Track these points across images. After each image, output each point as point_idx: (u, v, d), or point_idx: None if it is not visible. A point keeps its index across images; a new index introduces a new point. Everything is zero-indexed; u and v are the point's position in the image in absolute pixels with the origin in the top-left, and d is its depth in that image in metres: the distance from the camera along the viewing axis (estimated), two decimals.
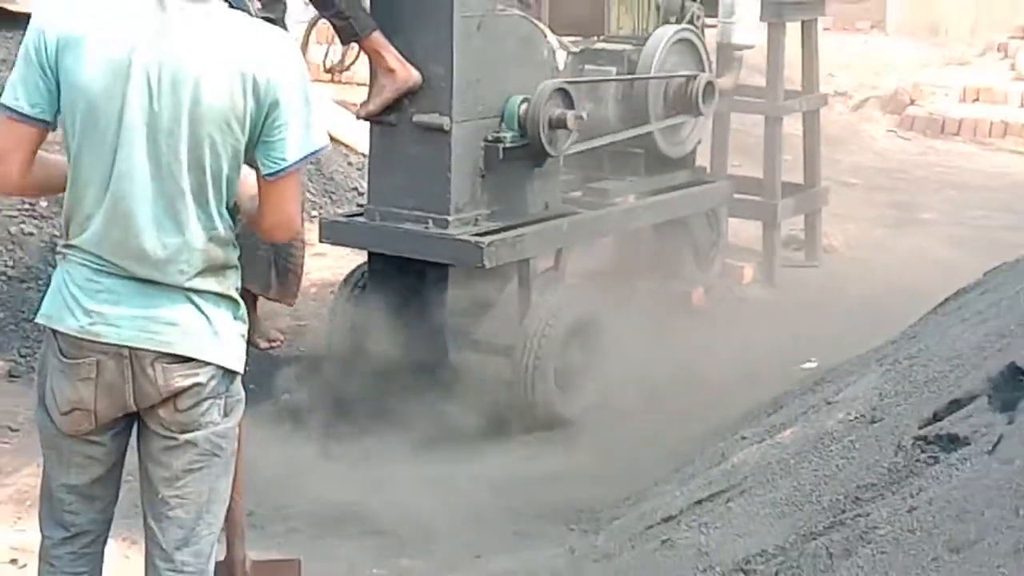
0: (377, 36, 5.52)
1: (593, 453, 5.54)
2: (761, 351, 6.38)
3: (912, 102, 13.08)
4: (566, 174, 6.32)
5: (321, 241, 6.24)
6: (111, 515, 3.50)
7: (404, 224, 5.72)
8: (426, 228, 5.66)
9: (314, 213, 8.52)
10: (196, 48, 3.17)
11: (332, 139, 9.55)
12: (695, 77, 6.61)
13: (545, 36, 6.20)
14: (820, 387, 5.03)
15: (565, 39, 6.81)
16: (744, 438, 4.72)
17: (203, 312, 3.30)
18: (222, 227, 3.29)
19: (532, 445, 5.63)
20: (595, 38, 6.83)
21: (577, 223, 6.17)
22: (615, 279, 7.18)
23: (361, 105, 5.80)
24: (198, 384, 3.28)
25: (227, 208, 3.31)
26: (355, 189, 8.79)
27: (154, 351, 3.25)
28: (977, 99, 13.08)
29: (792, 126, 8.20)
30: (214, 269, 3.31)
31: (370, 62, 5.64)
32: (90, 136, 3.20)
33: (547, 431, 5.73)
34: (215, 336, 3.31)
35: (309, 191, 8.95)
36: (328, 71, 6.65)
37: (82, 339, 3.24)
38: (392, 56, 5.53)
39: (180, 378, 3.26)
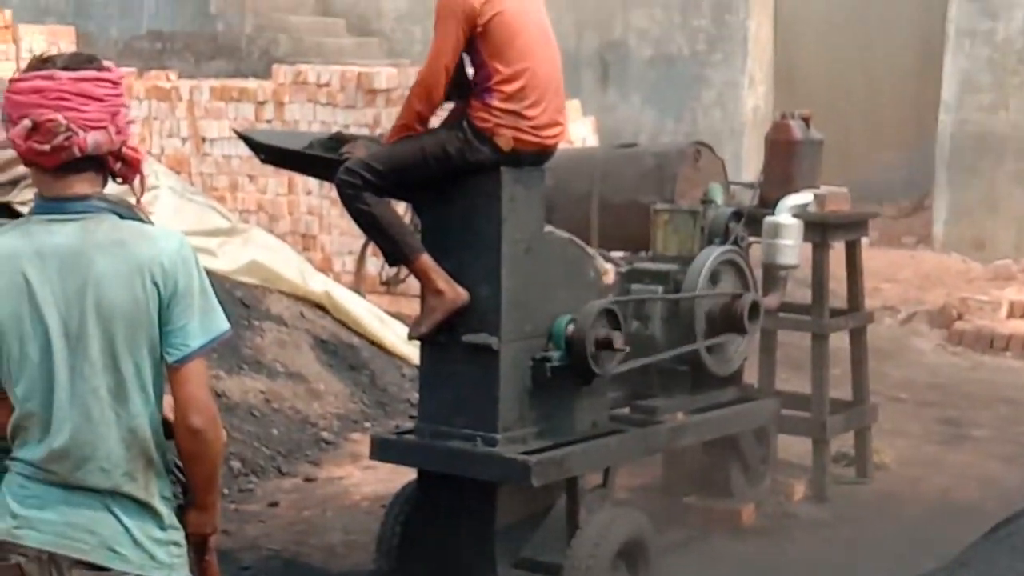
0: (425, 259, 5.59)
1: None
2: (813, 569, 6.28)
3: (960, 317, 13.06)
4: (613, 391, 6.32)
5: (371, 458, 6.25)
6: None
7: (453, 442, 5.72)
8: (474, 446, 5.65)
9: (367, 424, 8.60)
10: (93, 252, 3.28)
11: (386, 351, 9.69)
12: (740, 296, 6.66)
13: (591, 258, 6.27)
14: None
15: (614, 254, 6.91)
16: None
17: (121, 521, 3.32)
18: (145, 429, 3.34)
19: None
20: (642, 255, 6.90)
21: (625, 441, 6.15)
22: (664, 496, 7.15)
23: (413, 325, 5.86)
24: None
25: (151, 411, 3.36)
26: (407, 400, 8.82)
27: (71, 557, 3.28)
28: None
29: (840, 339, 8.20)
30: (135, 474, 3.33)
31: (420, 280, 5.69)
32: (10, 359, 3.32)
33: None
34: (134, 546, 3.33)
35: (363, 402, 9.03)
36: (384, 284, 6.76)
37: (4, 541, 3.30)
38: (440, 277, 5.58)
39: None
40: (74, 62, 3.39)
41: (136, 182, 3.49)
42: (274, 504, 7.53)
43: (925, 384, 10.79)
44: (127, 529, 3.33)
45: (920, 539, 6.30)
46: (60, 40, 16.38)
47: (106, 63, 3.49)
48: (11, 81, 3.39)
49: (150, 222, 3.45)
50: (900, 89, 17.75)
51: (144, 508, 3.36)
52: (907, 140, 17.73)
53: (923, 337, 12.78)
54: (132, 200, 3.52)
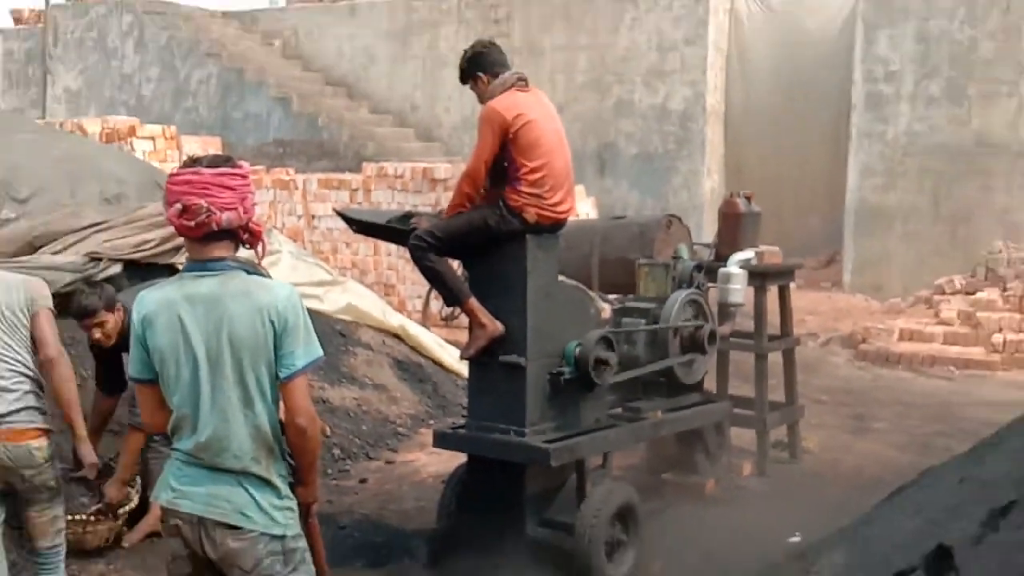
0: (472, 301, 5.59)
1: None
2: (759, 529, 6.23)
3: (864, 340, 13.02)
4: (610, 396, 6.27)
5: (434, 446, 6.22)
6: None
7: (494, 434, 5.69)
8: (509, 437, 5.62)
9: (431, 422, 8.60)
10: (227, 299, 3.35)
11: (442, 367, 9.71)
12: (702, 327, 6.62)
13: (592, 299, 6.28)
14: (802, 559, 4.87)
15: (609, 296, 6.91)
16: None
17: (250, 493, 3.37)
18: (266, 426, 3.39)
19: None
20: (629, 297, 6.89)
21: (618, 433, 6.11)
22: (647, 473, 7.12)
23: (463, 350, 5.84)
24: (244, 547, 3.34)
25: (269, 413, 3.40)
26: (460, 404, 8.78)
27: (213, 520, 3.35)
28: (911, 338, 12.98)
29: (776, 357, 8.16)
30: (259, 459, 3.38)
31: (468, 316, 5.68)
32: (169, 377, 3.39)
33: None
34: (260, 511, 3.37)
35: (428, 405, 9.04)
36: (443, 319, 6.79)
37: (166, 508, 3.42)
38: (484, 315, 5.58)
39: (234, 541, 3.34)
40: (215, 162, 3.43)
41: (259, 248, 3.52)
42: (364, 481, 7.53)
43: (839, 390, 10.76)
44: (254, 499, 3.36)
45: (836, 504, 6.23)
46: (209, 147, 16.53)
47: (240, 162, 3.53)
48: (170, 175, 3.44)
49: (269, 276, 3.50)
50: (817, 175, 17.76)
51: (266, 483, 3.39)
52: (823, 211, 17.71)
53: (837, 355, 12.74)
54: (256, 260, 3.56)
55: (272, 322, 3.32)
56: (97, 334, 5.49)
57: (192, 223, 3.32)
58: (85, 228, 7.01)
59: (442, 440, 5.97)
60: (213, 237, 3.37)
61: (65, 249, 6.82)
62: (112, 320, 5.50)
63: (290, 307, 3.35)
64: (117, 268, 7.03)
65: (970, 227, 16.48)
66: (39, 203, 7.01)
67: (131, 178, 7.82)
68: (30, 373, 4.59)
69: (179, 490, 3.39)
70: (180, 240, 7.40)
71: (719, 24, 18.42)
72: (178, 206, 3.31)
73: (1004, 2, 16.38)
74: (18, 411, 4.49)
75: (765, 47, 18.42)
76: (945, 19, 16.68)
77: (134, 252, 7.14)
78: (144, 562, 5.74)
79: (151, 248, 7.26)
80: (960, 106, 16.66)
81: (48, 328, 4.66)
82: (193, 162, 3.43)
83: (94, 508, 5.73)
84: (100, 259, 6.89)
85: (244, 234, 3.42)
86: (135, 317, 3.40)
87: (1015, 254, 14.80)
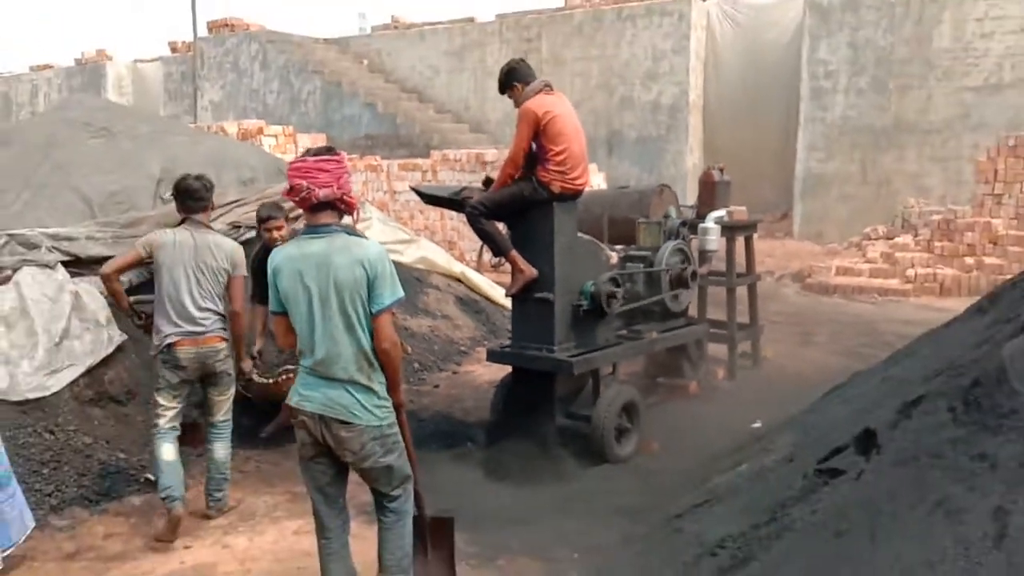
0: (513, 253, 5.57)
1: (636, 477, 5.40)
2: (729, 418, 6.24)
3: (809, 276, 12.87)
4: (617, 322, 6.25)
5: (488, 360, 6.19)
6: (344, 508, 3.60)
7: (531, 351, 5.69)
8: (542, 352, 5.62)
9: (485, 342, 8.62)
10: (333, 253, 3.36)
11: (492, 302, 9.68)
12: (686, 268, 6.57)
13: (603, 249, 6.23)
14: (762, 439, 4.88)
15: (616, 246, 6.86)
16: (719, 470, 4.57)
17: (355, 396, 3.38)
18: (365, 347, 3.39)
19: (602, 473, 5.48)
20: (631, 247, 6.84)
21: (624, 348, 6.09)
22: (646, 379, 7.12)
23: (507, 289, 5.82)
24: (353, 436, 3.38)
25: (367, 337, 3.39)
26: (506, 329, 8.77)
27: (329, 416, 3.37)
28: (845, 273, 12.82)
29: (742, 291, 8.09)
30: (361, 370, 3.40)
31: (511, 264, 5.67)
32: (295, 312, 3.42)
33: (611, 465, 5.59)
34: (363, 409, 3.39)
35: (482, 331, 9.04)
36: (492, 267, 6.75)
37: (295, 408, 3.43)
38: (522, 263, 5.56)
39: (344, 432, 3.38)
40: (318, 151, 3.45)
41: (355, 215, 3.52)
42: (436, 386, 7.56)
43: (790, 313, 10.65)
44: (358, 400, 3.39)
45: (788, 398, 6.20)
46: (318, 141, 16.51)
47: (337, 151, 3.53)
48: (289, 164, 3.45)
49: (364, 236, 3.50)
50: (774, 150, 17.55)
51: (367, 389, 3.40)
52: (778, 179, 17.50)
53: (788, 288, 12.60)
54: (352, 224, 3.57)
55: (366, 270, 3.33)
56: (276, 235, 5.66)
57: (297, 198, 3.35)
58: (228, 204, 7.03)
59: (493, 356, 5.99)
60: (318, 208, 3.39)
61: (214, 220, 6.86)
62: (286, 228, 5.70)
63: (379, 259, 3.36)
64: (251, 233, 7.08)
65: (890, 189, 16.28)
66: None
67: (260, 166, 7.82)
68: (219, 310, 4.93)
69: (304, 395, 3.43)
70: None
71: (698, 37, 18.17)
72: (287, 185, 3.37)
73: (916, 15, 16.01)
74: (212, 328, 4.88)
75: (733, 54, 18.18)
76: (871, 29, 16.40)
77: None
78: (281, 446, 5.84)
79: None
80: (882, 96, 16.38)
81: (239, 290, 5.00)
82: (305, 153, 3.45)
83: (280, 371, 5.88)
84: (240, 226, 6.93)
85: (341, 204, 3.43)
86: (271, 268, 3.44)
87: (924, 208, 14.60)
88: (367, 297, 3.35)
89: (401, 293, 3.42)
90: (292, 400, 3.46)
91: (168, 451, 4.75)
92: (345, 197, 3.43)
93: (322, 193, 3.35)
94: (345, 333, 3.35)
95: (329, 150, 3.48)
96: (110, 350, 5.65)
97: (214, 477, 4.99)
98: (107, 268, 4.87)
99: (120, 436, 5.48)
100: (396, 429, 3.49)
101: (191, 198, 4.95)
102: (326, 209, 3.40)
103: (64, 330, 5.53)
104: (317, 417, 3.38)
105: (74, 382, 5.46)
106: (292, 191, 3.37)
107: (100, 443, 5.34)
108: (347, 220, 3.52)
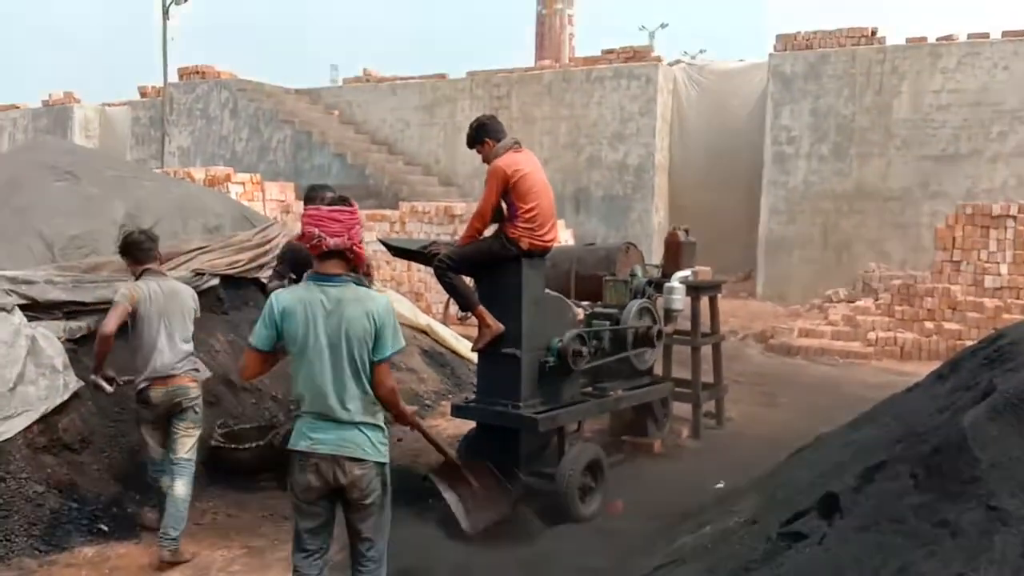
0: (480, 308, 5.57)
1: (599, 537, 5.32)
2: (693, 477, 6.22)
3: (771, 336, 13.01)
4: (583, 379, 6.25)
5: (452, 416, 6.15)
6: (328, 546, 3.67)
7: (496, 407, 5.66)
8: (508, 409, 5.60)
9: (449, 396, 8.54)
10: (345, 304, 3.45)
11: (458, 356, 9.62)
12: (651, 326, 6.61)
13: (570, 306, 6.25)
14: (725, 500, 4.87)
15: (583, 303, 6.89)
16: (684, 531, 4.54)
17: (366, 434, 3.52)
18: (369, 392, 3.52)
19: (565, 532, 5.40)
20: (598, 304, 6.87)
21: (589, 406, 6.09)
22: (610, 436, 7.10)
23: (473, 343, 5.81)
24: (365, 473, 3.50)
25: (370, 385, 3.51)
26: (471, 383, 8.75)
27: (342, 455, 3.48)
28: (807, 335, 12.96)
29: (707, 350, 8.14)
30: (367, 411, 3.52)
31: (478, 319, 5.65)
32: (300, 356, 3.49)
33: (575, 524, 5.52)
34: (372, 446, 3.53)
35: (447, 384, 8.97)
36: (459, 320, 6.75)
37: (306, 452, 3.50)
38: (489, 318, 5.56)
39: (358, 469, 3.50)
40: (332, 201, 3.62)
41: (362, 268, 3.68)
42: (400, 439, 7.38)
43: (753, 374, 10.73)
44: (369, 438, 3.54)
45: (752, 459, 6.20)
46: (286, 190, 16.44)
47: (352, 202, 3.68)
48: (304, 211, 3.65)
49: (372, 287, 3.60)
50: (738, 213, 17.78)
51: (376, 427, 3.56)
52: (742, 240, 17.72)
53: (751, 348, 12.73)
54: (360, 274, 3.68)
55: (374, 321, 3.47)
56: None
57: (308, 245, 3.43)
58: (192, 250, 7.00)
59: (457, 411, 5.95)
60: (328, 256, 3.46)
61: (177, 266, 6.81)
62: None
63: (387, 312, 3.51)
64: (215, 281, 7.03)
65: (850, 253, 16.56)
66: (159, 231, 7.01)
67: (226, 213, 7.80)
68: (191, 350, 5.14)
69: (314, 438, 3.51)
70: (263, 260, 7.42)
71: (664, 101, 18.50)
72: (298, 231, 3.46)
73: (876, 85, 16.47)
74: (182, 370, 5.06)
75: (699, 118, 18.51)
76: (832, 98, 16.81)
77: (228, 269, 7.15)
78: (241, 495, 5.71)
79: (241, 266, 7.25)
80: (843, 162, 16.74)
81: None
82: (320, 200, 3.57)
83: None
84: (203, 274, 6.88)
85: (350, 254, 3.49)
86: (275, 308, 3.46)
87: (884, 273, 14.86)
88: (372, 346, 3.48)
89: (402, 343, 3.56)
90: (300, 445, 3.52)
91: (166, 481, 4.98)
92: (355, 247, 3.49)
93: (333, 242, 3.45)
94: (352, 379, 3.48)
95: (343, 200, 3.60)
96: (66, 396, 5.53)
97: (172, 514, 4.89)
98: (110, 328, 4.88)
99: (73, 485, 5.34)
100: (388, 470, 3.63)
101: (139, 250, 5.12)
102: (335, 258, 3.48)
103: (19, 375, 5.40)
104: (330, 458, 3.47)
105: (27, 428, 5.32)
106: (304, 237, 3.46)
107: (52, 492, 5.20)
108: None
